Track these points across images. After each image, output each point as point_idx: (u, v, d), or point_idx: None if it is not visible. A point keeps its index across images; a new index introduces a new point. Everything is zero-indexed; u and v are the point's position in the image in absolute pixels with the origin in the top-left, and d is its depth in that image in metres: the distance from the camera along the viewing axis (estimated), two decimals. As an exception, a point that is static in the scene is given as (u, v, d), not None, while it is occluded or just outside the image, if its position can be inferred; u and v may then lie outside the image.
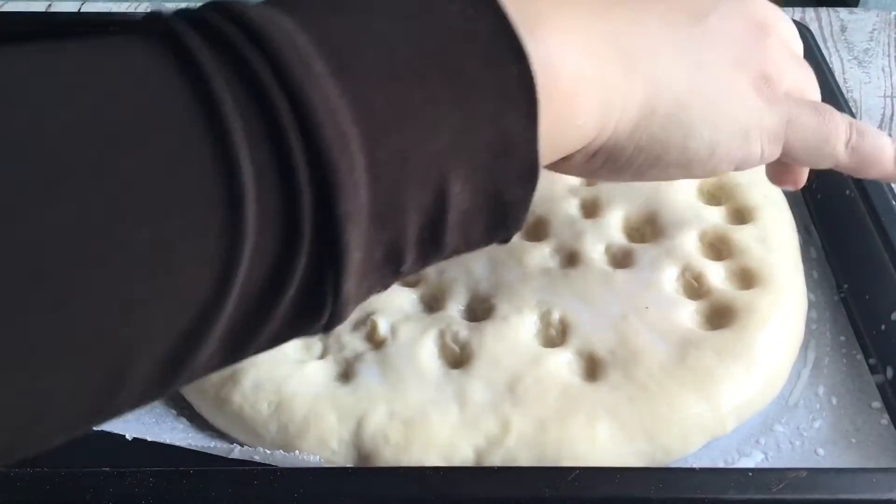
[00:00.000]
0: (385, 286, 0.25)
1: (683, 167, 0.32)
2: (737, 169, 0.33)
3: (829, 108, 0.34)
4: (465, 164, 0.24)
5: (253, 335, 0.23)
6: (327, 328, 0.24)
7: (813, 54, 0.55)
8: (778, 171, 0.39)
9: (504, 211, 0.25)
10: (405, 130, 0.23)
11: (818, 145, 0.34)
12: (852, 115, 0.50)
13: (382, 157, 0.22)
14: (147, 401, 0.22)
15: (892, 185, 0.45)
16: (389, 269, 0.24)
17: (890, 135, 0.55)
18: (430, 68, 0.23)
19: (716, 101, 0.31)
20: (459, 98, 0.23)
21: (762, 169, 0.48)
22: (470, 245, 0.26)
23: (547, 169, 0.29)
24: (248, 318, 0.22)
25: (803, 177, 0.39)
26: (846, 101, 0.51)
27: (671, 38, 0.31)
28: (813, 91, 0.35)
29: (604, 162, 0.31)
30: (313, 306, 0.23)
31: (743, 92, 0.32)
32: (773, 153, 0.34)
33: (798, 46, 0.36)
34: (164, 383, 0.22)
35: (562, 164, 0.30)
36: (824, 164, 0.35)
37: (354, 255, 0.22)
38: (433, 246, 0.25)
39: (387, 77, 0.22)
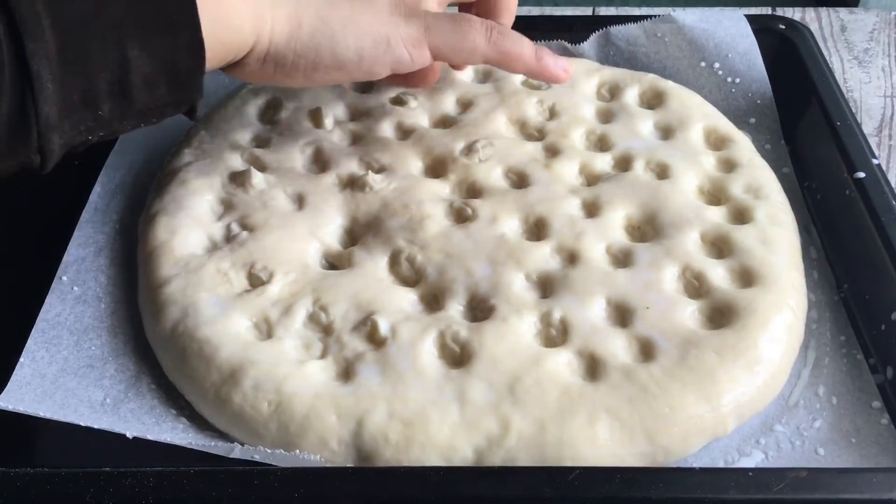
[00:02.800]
0: (91, 131, 0.34)
1: (339, 69, 0.41)
2: (394, 71, 0.43)
3: (469, 16, 0.44)
4: (139, 33, 0.34)
5: None
6: (43, 160, 0.33)
7: (813, 54, 0.55)
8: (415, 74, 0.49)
9: (181, 78, 0.36)
10: (79, 3, 0.33)
11: (459, 42, 0.43)
12: (853, 115, 0.50)
13: (66, 15, 0.32)
14: None
15: (893, 185, 0.45)
16: (90, 113, 0.34)
17: (890, 135, 0.55)
18: None
19: (354, 15, 0.41)
20: None
21: (762, 169, 0.48)
22: (160, 106, 0.36)
23: (230, 75, 0.41)
24: None
25: (432, 74, 0.50)
26: (846, 101, 0.51)
27: None
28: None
29: (275, 67, 0.40)
30: (22, 125, 0.32)
31: (381, 10, 0.42)
32: (422, 56, 0.43)
33: None
34: None
35: (241, 68, 0.40)
36: (473, 59, 0.44)
37: (47, 85, 0.32)
38: (124, 99, 0.34)
39: None
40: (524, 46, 0.45)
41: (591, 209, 0.45)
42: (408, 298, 0.40)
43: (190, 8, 0.35)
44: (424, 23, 0.42)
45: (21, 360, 0.39)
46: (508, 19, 0.49)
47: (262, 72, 0.41)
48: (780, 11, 0.67)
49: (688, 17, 0.56)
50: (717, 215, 0.44)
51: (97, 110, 0.34)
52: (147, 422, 0.37)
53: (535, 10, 0.68)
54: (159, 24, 0.34)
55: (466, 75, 0.54)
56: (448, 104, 0.52)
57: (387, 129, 0.50)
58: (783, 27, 0.57)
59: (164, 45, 0.35)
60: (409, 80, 0.50)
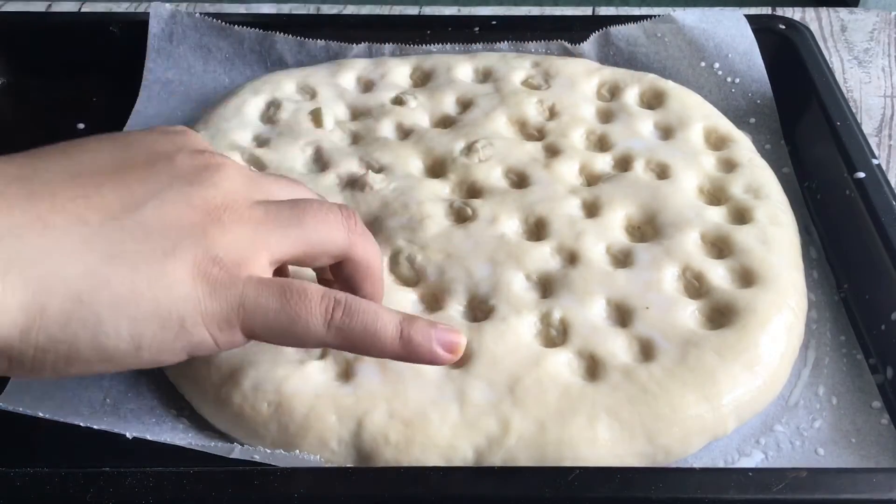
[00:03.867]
0: None
1: (108, 361, 0.30)
2: (191, 355, 0.32)
3: (304, 286, 0.32)
4: None
5: None
6: None
7: (813, 54, 0.55)
8: None
9: None
10: None
11: (285, 327, 0.32)
12: (853, 115, 0.50)
13: None
14: None
15: (893, 185, 0.45)
16: None
17: (890, 135, 0.55)
18: None
19: (132, 293, 0.29)
20: None
21: (762, 169, 0.48)
22: None
23: None
24: None
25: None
26: (846, 101, 0.51)
27: (81, 233, 0.29)
28: (292, 228, 0.33)
29: (9, 364, 0.29)
30: None
31: (177, 280, 0.30)
32: (231, 339, 0.32)
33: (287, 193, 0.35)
34: None
35: None
36: (309, 345, 0.33)
37: None
38: None
39: None
40: (383, 327, 0.33)
41: (591, 209, 0.45)
42: (408, 298, 0.40)
43: None
44: (240, 296, 0.31)
45: (21, 360, 0.39)
46: (373, 291, 0.37)
47: None
48: (780, 11, 0.67)
49: (688, 17, 0.56)
50: (717, 215, 0.44)
51: None
52: (147, 422, 0.37)
53: (535, 10, 0.68)
54: None
55: (466, 75, 0.54)
56: (448, 104, 0.52)
57: (387, 129, 0.50)
58: (783, 27, 0.57)
59: None
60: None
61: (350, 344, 0.33)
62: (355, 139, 0.50)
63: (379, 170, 0.47)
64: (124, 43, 0.58)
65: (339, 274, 0.36)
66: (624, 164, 0.48)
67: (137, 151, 0.32)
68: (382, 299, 0.38)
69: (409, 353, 0.33)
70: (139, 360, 0.31)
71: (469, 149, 0.48)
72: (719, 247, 0.43)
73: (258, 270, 0.32)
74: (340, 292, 0.33)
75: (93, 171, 0.31)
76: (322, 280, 0.39)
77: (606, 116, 0.51)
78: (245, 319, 0.31)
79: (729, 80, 0.55)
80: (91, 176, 0.30)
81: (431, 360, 0.34)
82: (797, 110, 0.53)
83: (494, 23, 0.59)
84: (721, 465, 0.37)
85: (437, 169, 0.48)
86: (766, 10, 0.66)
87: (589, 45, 0.57)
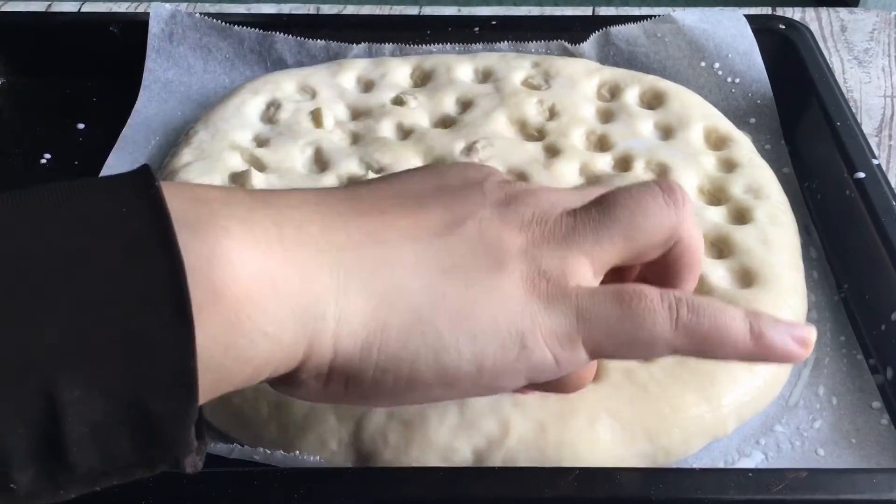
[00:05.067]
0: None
1: (450, 386, 0.28)
2: (532, 381, 0.29)
3: (639, 287, 0.29)
4: (84, 368, 0.22)
5: None
6: None
7: (813, 54, 0.55)
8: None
9: (155, 427, 0.23)
10: None
11: (631, 334, 0.29)
12: (853, 115, 0.50)
13: None
14: None
15: (893, 185, 0.45)
16: None
17: (890, 135, 0.55)
18: (42, 260, 0.22)
19: (470, 308, 0.28)
20: (76, 292, 0.22)
21: (762, 169, 0.48)
22: (121, 468, 0.23)
23: (279, 391, 0.29)
24: None
25: (587, 373, 0.32)
26: (846, 101, 0.51)
27: (411, 248, 0.28)
28: (618, 230, 0.30)
29: (346, 386, 0.28)
30: None
31: (510, 295, 0.28)
32: (575, 357, 0.29)
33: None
34: None
35: (292, 387, 0.28)
36: (652, 355, 0.30)
37: None
38: (57, 464, 0.22)
39: None
40: (731, 322, 0.29)
41: (591, 209, 0.45)
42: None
43: (179, 318, 0.22)
44: (576, 308, 0.28)
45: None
46: (692, 285, 0.33)
47: (326, 393, 0.28)
48: (780, 11, 0.67)
49: (688, 17, 0.56)
50: (717, 215, 0.44)
51: (7, 481, 0.22)
52: (147, 422, 0.37)
53: (535, 10, 0.68)
54: (119, 349, 0.22)
55: (466, 75, 0.54)
56: (448, 104, 0.52)
57: (387, 129, 0.50)
58: (783, 27, 0.57)
59: (126, 380, 0.22)
60: (548, 385, 0.31)
61: (699, 345, 0.29)
62: (355, 139, 0.50)
63: (379, 170, 0.47)
64: (124, 43, 0.58)
65: (660, 263, 0.32)
66: (624, 164, 0.48)
67: (451, 178, 0.31)
68: None
69: (762, 350, 0.29)
70: (479, 384, 0.28)
71: (469, 149, 0.48)
72: (719, 247, 0.43)
73: (585, 281, 0.29)
74: (677, 290, 0.30)
75: (414, 194, 0.30)
76: None
77: (606, 116, 0.51)
78: (586, 333, 0.28)
79: (729, 80, 0.55)
80: (413, 198, 0.30)
81: (785, 358, 0.30)
82: (797, 110, 0.53)
83: (494, 23, 0.59)
84: (721, 465, 0.37)
85: (437, 169, 0.48)
86: (766, 10, 0.66)
87: (589, 45, 0.57)
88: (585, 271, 0.29)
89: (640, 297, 0.29)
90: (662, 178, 0.46)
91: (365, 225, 0.28)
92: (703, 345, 0.29)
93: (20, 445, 0.22)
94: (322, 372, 0.27)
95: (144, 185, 0.24)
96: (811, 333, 0.30)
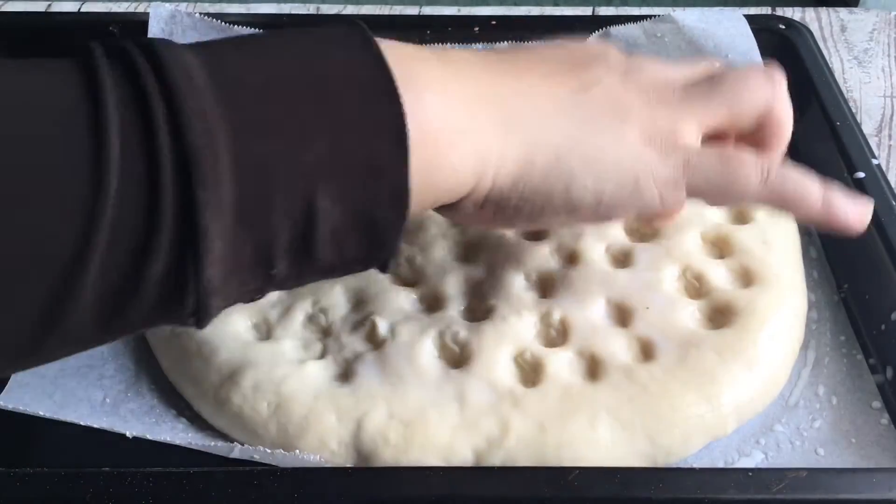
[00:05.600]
0: (260, 290, 0.29)
1: (571, 213, 0.34)
2: (640, 214, 0.36)
3: (739, 152, 0.36)
4: (335, 182, 0.27)
5: (121, 310, 0.26)
6: (198, 321, 0.27)
7: (813, 54, 0.55)
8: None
9: (377, 232, 0.28)
10: (273, 141, 0.26)
11: (728, 185, 0.35)
12: (853, 115, 0.50)
13: (248, 161, 0.26)
14: (21, 363, 0.27)
15: (893, 185, 0.45)
16: (261, 271, 0.27)
17: (890, 135, 0.55)
18: (305, 94, 0.27)
19: (599, 152, 0.33)
20: (332, 122, 0.27)
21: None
22: (346, 263, 0.29)
23: (442, 214, 0.34)
24: (115, 290, 0.25)
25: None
26: (846, 101, 0.51)
27: (553, 101, 0.34)
28: (732, 105, 0.37)
29: (494, 211, 0.33)
30: (178, 290, 0.26)
31: (631, 144, 0.34)
32: (677, 198, 0.35)
33: (688, 76, 0.38)
34: (36, 344, 0.25)
35: (455, 211, 0.33)
36: (740, 203, 0.38)
37: (215, 243, 0.25)
38: (306, 256, 0.28)
39: (263, 96, 0.27)
40: (809, 187, 0.36)
41: (591, 209, 0.45)
42: (408, 298, 0.40)
43: (400, 149, 0.28)
44: (684, 159, 0.34)
45: (21, 360, 0.39)
46: (780, 151, 0.39)
47: (477, 216, 0.34)
48: (780, 11, 0.67)
49: (688, 17, 0.56)
50: (717, 215, 0.44)
51: (270, 269, 0.27)
52: (147, 422, 0.37)
53: (535, 10, 0.68)
54: (360, 169, 0.27)
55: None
56: (448, 104, 0.52)
57: (387, 129, 0.50)
58: (783, 27, 0.57)
59: (362, 194, 0.28)
60: (643, 218, 0.41)
61: (782, 202, 0.36)
62: (355, 139, 0.50)
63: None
64: (124, 43, 0.58)
65: (752, 135, 0.38)
66: (624, 164, 0.48)
67: (575, 52, 0.37)
68: None
69: (829, 217, 0.36)
70: (597, 213, 0.34)
71: (469, 149, 0.48)
72: (719, 247, 0.43)
73: (692, 138, 0.35)
74: (770, 157, 0.36)
75: (553, 60, 0.36)
76: None
77: (606, 116, 0.51)
78: (691, 178, 0.35)
79: (729, 80, 0.55)
80: (553, 63, 0.35)
81: (844, 228, 0.37)
82: (797, 110, 0.53)
83: (494, 23, 0.58)
84: (721, 465, 0.37)
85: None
86: (766, 10, 0.66)
87: (589, 45, 0.57)
88: (693, 131, 0.35)
89: (738, 157, 0.35)
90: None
91: (521, 81, 0.34)
92: (784, 202, 0.36)
93: (284, 238, 0.27)
94: (479, 200, 0.33)
95: (364, 41, 0.29)
96: (869, 209, 0.37)
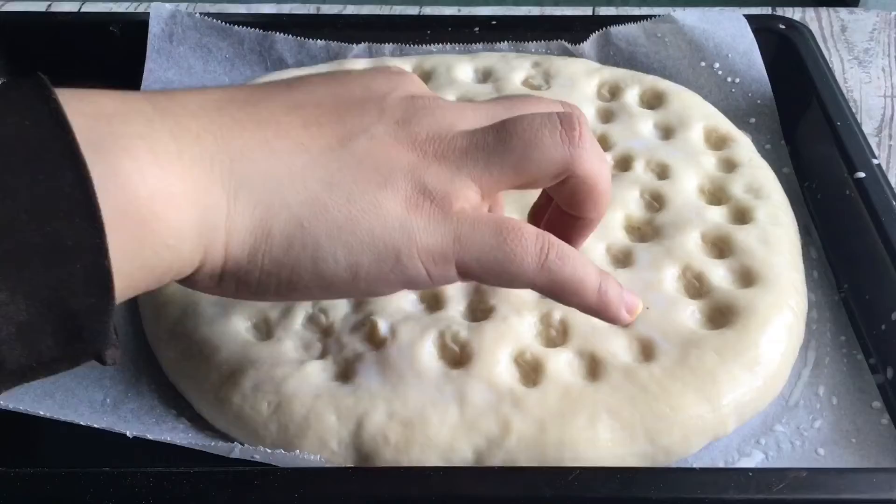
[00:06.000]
0: None
1: (326, 289, 0.31)
2: (406, 288, 0.32)
3: (519, 225, 0.32)
4: (8, 269, 0.23)
5: None
6: None
7: (813, 54, 0.55)
8: None
9: (77, 324, 0.25)
10: None
11: (501, 264, 0.31)
12: (853, 115, 0.50)
13: None
14: None
15: (893, 185, 0.45)
16: None
17: (890, 135, 0.55)
18: None
19: (350, 221, 0.30)
20: None
21: (762, 169, 0.48)
22: (45, 363, 0.25)
23: (184, 285, 0.30)
24: None
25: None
26: (846, 101, 0.51)
27: (303, 156, 0.30)
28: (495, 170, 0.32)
29: (236, 285, 0.30)
30: None
31: (390, 212, 0.30)
32: (445, 274, 0.31)
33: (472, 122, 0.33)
34: None
35: (191, 285, 0.30)
36: (514, 286, 0.33)
37: None
38: None
39: None
40: (586, 276, 0.33)
41: (591, 209, 0.45)
42: (407, 298, 0.40)
43: (90, 225, 0.24)
44: (455, 230, 0.31)
45: (21, 360, 0.39)
46: (595, 215, 0.35)
47: (220, 289, 0.31)
48: (780, 11, 0.67)
49: (688, 17, 0.56)
50: (717, 215, 0.44)
51: None
52: (147, 422, 0.37)
53: (535, 10, 0.68)
54: (41, 251, 0.24)
55: (466, 75, 0.54)
56: (448, 104, 0.52)
57: (387, 129, 0.50)
58: (783, 27, 0.57)
59: (48, 281, 0.24)
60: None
61: (557, 288, 0.32)
62: (355, 139, 0.50)
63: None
64: (124, 43, 0.58)
65: (559, 191, 0.34)
66: (624, 163, 0.48)
67: (354, 89, 0.33)
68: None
69: (602, 308, 0.34)
70: (356, 288, 0.31)
71: (469, 149, 0.48)
72: (720, 247, 0.43)
73: (469, 204, 0.31)
74: (553, 236, 0.32)
75: (313, 103, 0.31)
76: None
77: (607, 116, 0.51)
78: (461, 254, 0.31)
79: (729, 80, 0.55)
80: (311, 108, 0.31)
81: (615, 319, 0.34)
82: (797, 110, 0.53)
83: (494, 23, 0.59)
84: (721, 465, 0.37)
85: (437, 169, 0.48)
86: (766, 10, 0.66)
87: (589, 45, 0.57)
88: (471, 195, 0.31)
89: (517, 234, 0.31)
90: (662, 177, 0.46)
91: (259, 133, 0.30)
92: (561, 289, 0.32)
93: None
94: (216, 273, 0.30)
95: (40, 99, 0.25)
96: (639, 303, 0.35)
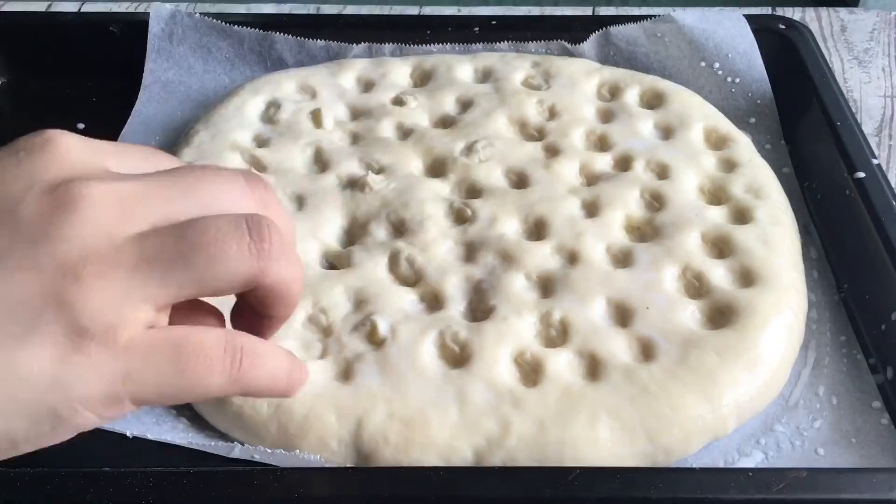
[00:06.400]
0: None
1: None
2: (81, 431, 0.27)
3: (202, 342, 0.27)
4: None
5: None
6: None
7: (813, 54, 0.55)
8: None
9: None
10: None
11: (184, 390, 0.27)
12: (853, 115, 0.50)
13: None
14: None
15: (893, 185, 0.45)
16: None
17: (890, 135, 0.55)
18: None
19: None
20: None
21: (762, 169, 0.48)
22: None
23: None
24: None
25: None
26: (846, 101, 0.51)
27: None
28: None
29: None
30: None
31: (35, 370, 0.25)
32: (120, 413, 0.27)
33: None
34: None
35: None
36: (205, 401, 0.31)
37: None
38: None
39: None
40: (277, 371, 0.30)
41: (591, 209, 0.45)
42: (407, 298, 0.40)
43: None
44: (123, 369, 0.26)
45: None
46: (286, 312, 0.30)
47: None
48: (780, 11, 0.67)
49: (688, 17, 0.56)
50: (717, 215, 0.44)
51: None
52: (147, 422, 0.37)
53: (535, 10, 0.68)
54: None
55: (466, 75, 0.54)
56: (448, 104, 0.52)
57: (387, 129, 0.50)
58: (783, 27, 0.57)
59: None
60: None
61: (251, 392, 0.29)
62: (355, 139, 0.50)
63: (379, 170, 0.47)
64: (124, 43, 0.58)
65: (247, 295, 0.29)
66: (624, 164, 0.48)
67: None
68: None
69: (289, 392, 0.31)
70: (23, 451, 0.26)
71: (469, 149, 0.48)
72: (720, 247, 0.43)
73: (141, 326, 0.26)
74: (242, 335, 0.29)
75: None
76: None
77: (606, 116, 0.51)
78: (135, 393, 0.26)
79: (729, 80, 0.55)
80: None
81: (292, 395, 0.32)
82: (797, 110, 0.53)
83: (494, 23, 0.59)
84: (721, 465, 0.37)
85: (437, 169, 0.48)
86: (766, 10, 0.66)
87: (589, 45, 0.57)
88: (143, 317, 0.26)
89: (199, 355, 0.27)
90: (662, 177, 0.46)
91: None
92: (251, 391, 0.29)
93: None
94: None
95: None
96: (305, 378, 0.32)
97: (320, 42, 0.57)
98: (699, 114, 0.51)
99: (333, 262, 0.43)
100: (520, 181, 0.47)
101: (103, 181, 0.26)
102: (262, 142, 0.50)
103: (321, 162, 0.48)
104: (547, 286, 0.41)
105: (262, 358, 0.29)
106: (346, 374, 0.37)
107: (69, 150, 0.27)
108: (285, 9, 0.69)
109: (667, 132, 0.50)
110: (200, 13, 0.57)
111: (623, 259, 0.42)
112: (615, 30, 0.56)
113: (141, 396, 0.26)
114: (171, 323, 0.28)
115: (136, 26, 0.58)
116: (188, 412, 0.38)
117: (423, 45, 0.57)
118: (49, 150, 0.27)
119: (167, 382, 0.27)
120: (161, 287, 0.26)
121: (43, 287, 0.25)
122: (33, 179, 0.26)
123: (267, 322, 0.31)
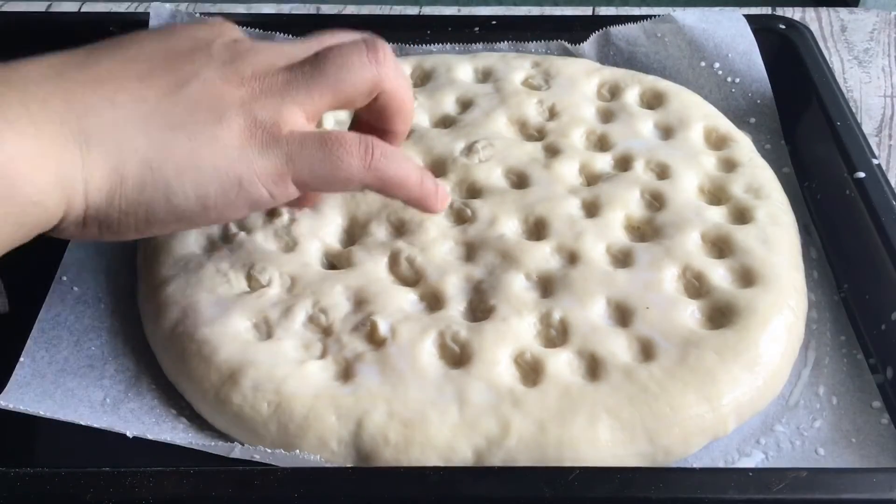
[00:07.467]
0: None
1: (181, 221, 0.34)
2: (255, 211, 0.37)
3: (342, 134, 0.36)
4: None
5: None
6: None
7: (813, 54, 0.55)
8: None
9: None
10: None
11: (331, 172, 0.35)
12: (853, 115, 0.50)
13: None
14: None
15: (893, 185, 0.45)
16: None
17: (890, 135, 0.55)
18: None
19: (193, 158, 0.33)
20: None
21: (762, 168, 0.48)
22: None
23: (48, 234, 0.33)
24: None
25: (310, 198, 0.42)
26: (846, 101, 0.51)
27: (140, 106, 0.33)
28: (315, 92, 0.36)
29: (99, 228, 0.34)
30: None
31: (228, 144, 0.34)
32: (286, 191, 0.35)
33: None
34: None
35: (58, 232, 0.33)
36: (349, 188, 0.38)
37: None
38: None
39: None
40: (409, 171, 0.38)
41: (591, 209, 0.45)
42: (408, 298, 0.40)
43: None
44: (286, 151, 0.35)
45: (21, 359, 0.39)
46: (404, 127, 0.40)
47: (84, 234, 0.34)
48: (780, 11, 0.67)
49: (688, 17, 0.56)
50: (717, 215, 0.44)
51: None
52: (147, 422, 0.37)
53: (535, 10, 0.68)
54: None
55: (466, 75, 0.54)
56: (448, 104, 0.52)
57: (387, 129, 0.50)
58: (783, 27, 0.57)
59: None
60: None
61: (385, 185, 0.37)
62: (355, 139, 0.50)
63: (379, 170, 0.47)
64: (124, 43, 0.58)
65: (371, 108, 0.39)
66: (624, 163, 0.48)
67: (181, 40, 0.36)
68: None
69: (423, 198, 0.39)
70: (208, 217, 0.35)
71: (469, 149, 0.48)
72: (719, 247, 0.43)
73: (296, 126, 0.35)
74: (375, 138, 0.37)
75: (144, 58, 0.35)
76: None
77: (606, 116, 0.51)
78: (295, 171, 0.35)
79: (729, 80, 0.55)
80: (144, 61, 0.35)
81: (432, 208, 0.40)
82: (797, 110, 0.53)
83: (494, 23, 0.59)
84: (721, 465, 0.37)
85: (437, 169, 0.48)
86: (766, 10, 0.66)
87: (589, 45, 0.57)
88: (298, 119, 0.35)
89: (341, 142, 0.36)
90: (662, 177, 0.46)
91: (100, 90, 0.33)
92: (388, 184, 0.37)
93: None
94: (79, 221, 0.33)
95: None
96: (448, 196, 0.41)
97: (320, 42, 0.57)
98: (699, 114, 0.51)
99: (334, 262, 0.43)
100: (520, 181, 0.47)
101: (264, 42, 0.38)
102: (262, 142, 0.50)
103: (321, 162, 0.48)
104: (547, 286, 0.41)
105: (393, 154, 0.37)
106: (346, 373, 0.37)
107: (238, 29, 0.39)
108: (285, 9, 0.69)
109: (667, 132, 0.50)
110: (200, 13, 0.57)
111: (623, 259, 0.42)
112: (615, 30, 0.57)
113: (299, 176, 0.35)
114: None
115: (136, 26, 0.57)
116: (188, 412, 0.38)
117: (423, 45, 0.57)
118: (221, 23, 0.38)
119: (318, 164, 0.35)
120: (307, 95, 0.36)
121: (229, 92, 0.35)
122: (219, 33, 0.37)
123: (388, 140, 0.39)
